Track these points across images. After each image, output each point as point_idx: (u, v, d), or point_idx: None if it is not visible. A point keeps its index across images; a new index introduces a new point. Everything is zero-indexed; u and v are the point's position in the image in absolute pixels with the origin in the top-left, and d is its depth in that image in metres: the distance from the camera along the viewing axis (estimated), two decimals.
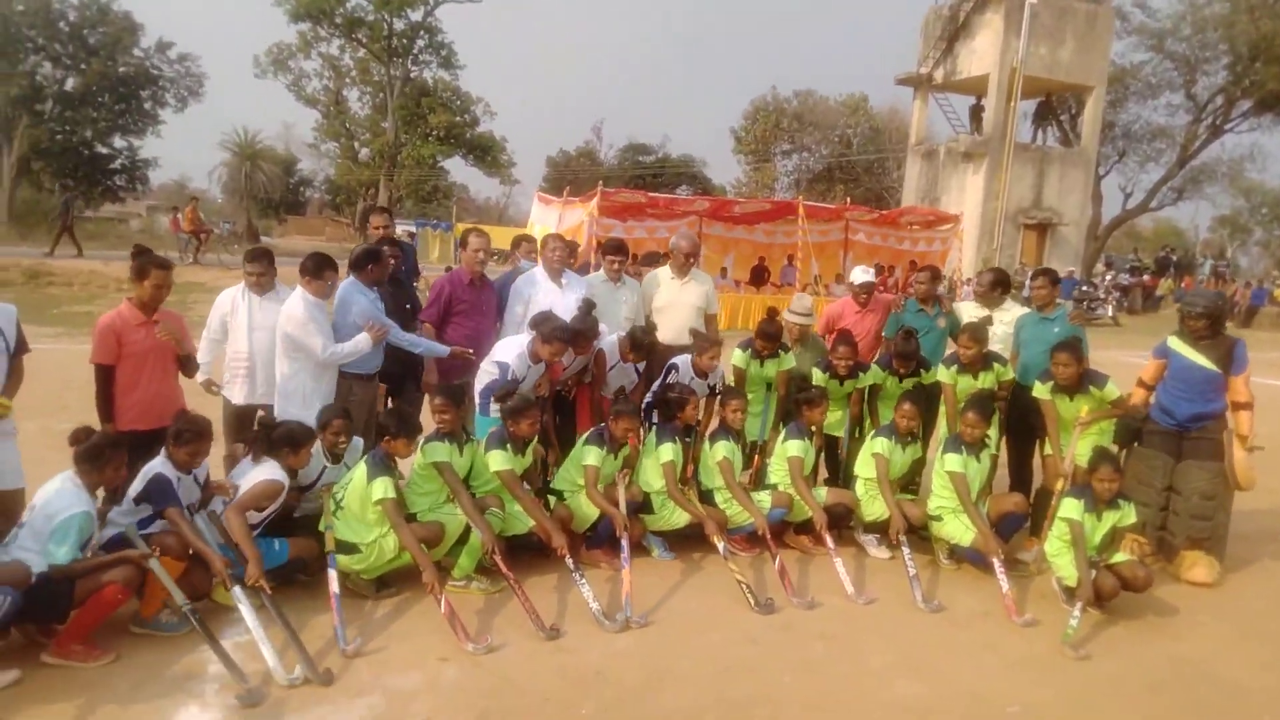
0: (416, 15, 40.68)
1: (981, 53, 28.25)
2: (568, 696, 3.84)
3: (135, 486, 4.27)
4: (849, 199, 26.17)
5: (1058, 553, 5.10)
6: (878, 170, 48.20)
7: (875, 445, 5.70)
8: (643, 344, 5.85)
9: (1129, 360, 6.01)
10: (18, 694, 3.60)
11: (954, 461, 5.42)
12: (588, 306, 5.79)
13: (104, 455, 4.01)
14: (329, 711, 3.61)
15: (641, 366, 6.07)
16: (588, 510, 5.30)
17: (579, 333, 5.55)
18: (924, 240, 21.84)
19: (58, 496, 3.92)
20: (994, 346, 6.15)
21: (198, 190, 43.22)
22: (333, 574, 4.39)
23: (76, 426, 4.09)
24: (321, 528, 4.64)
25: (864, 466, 5.83)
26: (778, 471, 5.83)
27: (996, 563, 5.08)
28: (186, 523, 4.22)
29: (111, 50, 35.94)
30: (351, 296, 5.50)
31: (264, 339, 5.42)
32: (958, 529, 5.45)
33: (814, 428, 5.89)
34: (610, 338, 5.93)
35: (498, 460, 5.02)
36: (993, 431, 5.83)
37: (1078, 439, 5.65)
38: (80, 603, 3.90)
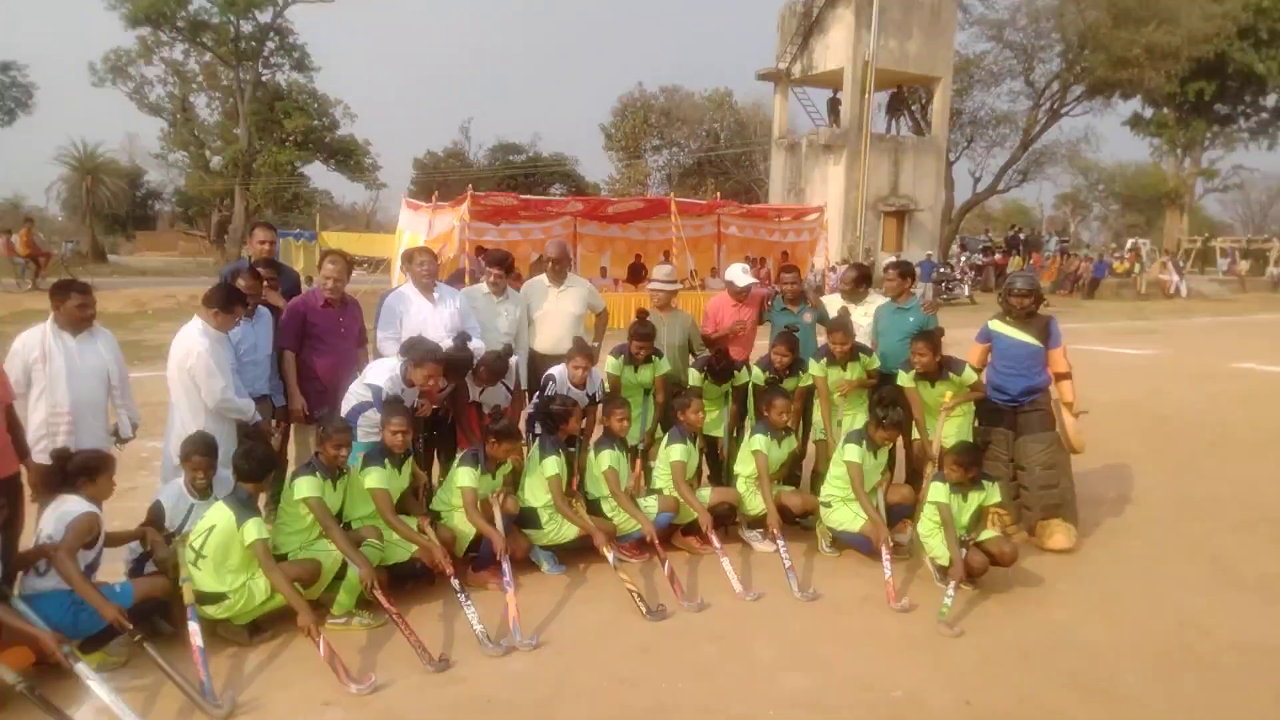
0: (265, 17, 38.96)
1: (835, 47, 29.23)
2: None
3: None
4: (719, 193, 26.65)
5: (929, 534, 5.32)
6: (745, 163, 49.24)
7: (754, 443, 5.80)
8: (497, 370, 5.76)
9: None
10: None
11: (853, 452, 5.53)
12: (463, 339, 5.67)
13: None
14: None
15: (511, 383, 6.00)
16: (466, 529, 5.19)
17: (454, 361, 5.44)
18: (793, 231, 22.44)
19: None
20: (858, 337, 6.38)
21: (35, 209, 40.29)
22: (194, 627, 4.10)
23: None
24: (181, 580, 4.35)
25: (744, 464, 5.94)
26: (662, 476, 5.86)
27: (885, 551, 5.21)
28: (6, 607, 3.78)
29: None
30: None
31: (91, 386, 4.78)
32: (847, 516, 5.59)
33: (694, 430, 5.95)
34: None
35: (374, 478, 4.87)
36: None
37: (943, 423, 5.92)
38: None
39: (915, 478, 6.18)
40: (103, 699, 3.65)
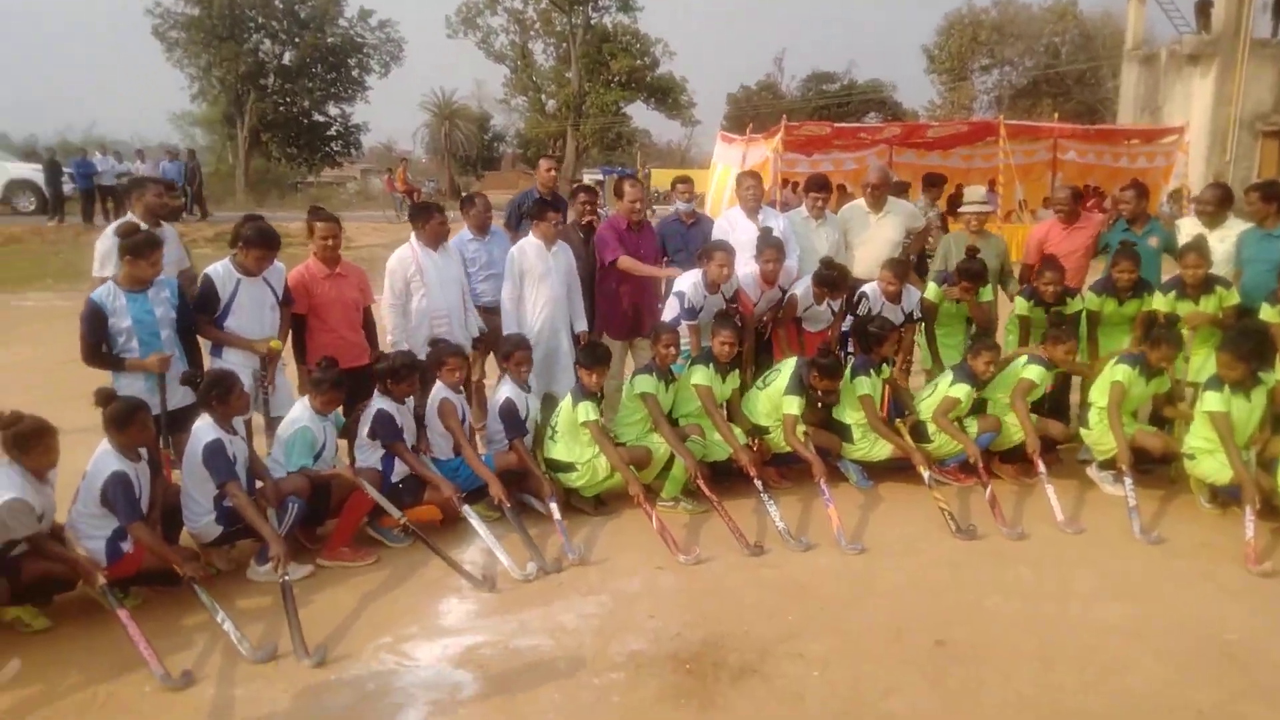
0: None
1: None
2: (774, 604, 4.13)
3: (362, 426, 4.81)
4: (1057, 114, 24.17)
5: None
6: (1090, 81, 44.21)
7: (1116, 372, 5.36)
8: (831, 280, 5.83)
9: None
10: (309, 585, 4.31)
11: (1213, 400, 4.99)
12: (766, 232, 5.94)
13: (322, 385, 4.64)
14: (564, 607, 4.10)
15: (836, 305, 6.08)
16: (783, 446, 5.51)
17: (766, 243, 5.77)
18: (1144, 155, 19.97)
19: (289, 421, 4.64)
20: (1215, 268, 5.78)
21: (403, 151, 46.17)
22: (554, 505, 4.84)
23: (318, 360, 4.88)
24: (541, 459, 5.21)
25: (1099, 394, 5.50)
26: (999, 393, 5.70)
27: (1248, 510, 4.71)
28: (411, 454, 4.81)
29: (320, 22, 38.67)
30: None
31: (453, 293, 5.68)
32: (1214, 467, 5.07)
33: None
34: (803, 282, 6.00)
35: (699, 376, 5.34)
36: None
37: None
38: (336, 511, 4.61)
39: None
40: (481, 535, 4.56)
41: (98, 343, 4.52)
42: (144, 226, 5.08)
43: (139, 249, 4.55)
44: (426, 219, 5.66)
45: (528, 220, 6.21)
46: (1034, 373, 5.54)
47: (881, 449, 5.58)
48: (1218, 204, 6.18)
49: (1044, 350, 5.67)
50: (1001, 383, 5.71)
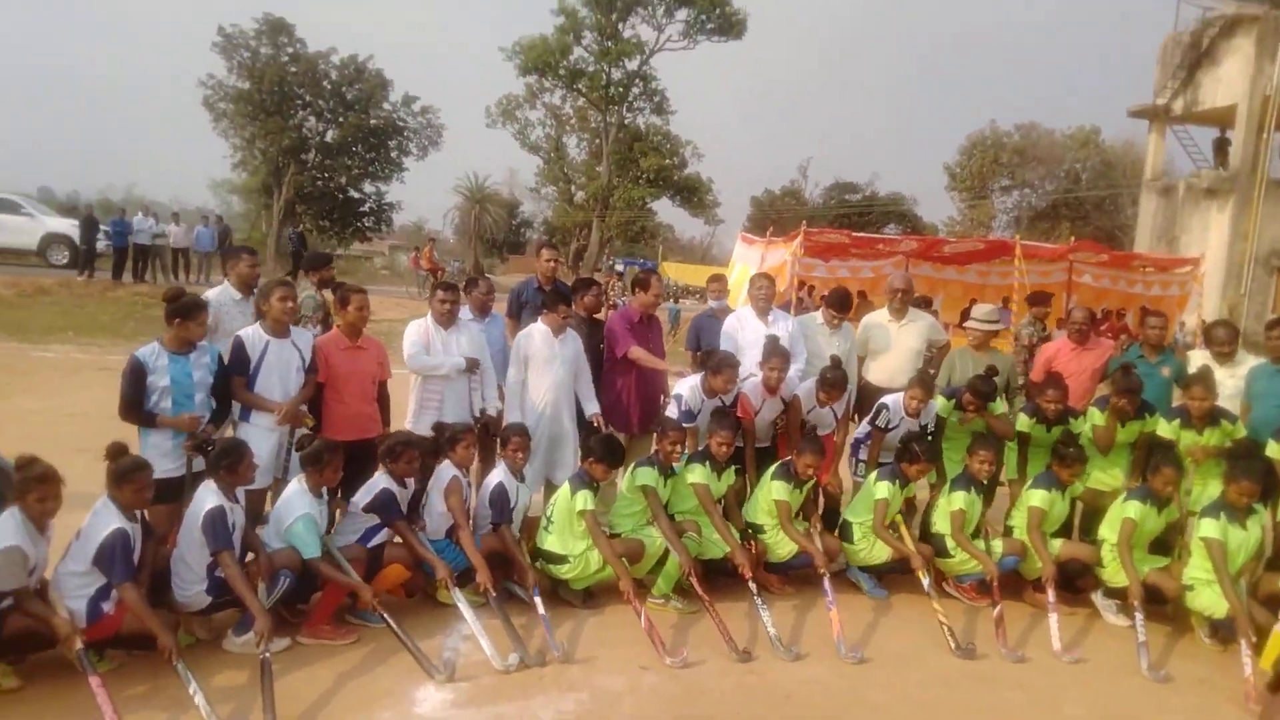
0: (633, 65, 42.63)
1: (1228, 81, 25.90)
2: (757, 714, 4.03)
3: (362, 498, 4.81)
4: (1074, 237, 24.53)
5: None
6: (1109, 207, 44.99)
7: (1128, 509, 5.32)
8: (834, 382, 5.83)
9: None
10: (287, 661, 4.24)
11: (1210, 528, 4.96)
12: (773, 340, 5.89)
13: (323, 458, 4.61)
14: (544, 701, 4.03)
15: (839, 409, 6.11)
16: (780, 549, 5.48)
17: (772, 351, 5.74)
18: (1159, 284, 20.12)
19: (285, 503, 4.57)
20: (1223, 402, 5.77)
21: (432, 231, 47.20)
22: (539, 599, 4.78)
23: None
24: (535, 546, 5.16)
25: (1110, 528, 5.46)
26: (1017, 518, 5.70)
27: (1244, 645, 4.63)
28: (412, 534, 4.80)
29: (365, 105, 40.19)
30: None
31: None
32: (1211, 599, 4.99)
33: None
34: (806, 384, 6.03)
35: (696, 474, 5.33)
36: None
37: None
38: (323, 586, 4.58)
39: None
40: (468, 620, 4.48)
41: (136, 398, 4.60)
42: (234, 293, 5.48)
43: (187, 311, 4.69)
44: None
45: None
46: (1039, 498, 5.50)
47: (880, 551, 5.52)
48: (1232, 343, 6.15)
49: (1057, 470, 5.62)
50: (1018, 509, 5.69)
